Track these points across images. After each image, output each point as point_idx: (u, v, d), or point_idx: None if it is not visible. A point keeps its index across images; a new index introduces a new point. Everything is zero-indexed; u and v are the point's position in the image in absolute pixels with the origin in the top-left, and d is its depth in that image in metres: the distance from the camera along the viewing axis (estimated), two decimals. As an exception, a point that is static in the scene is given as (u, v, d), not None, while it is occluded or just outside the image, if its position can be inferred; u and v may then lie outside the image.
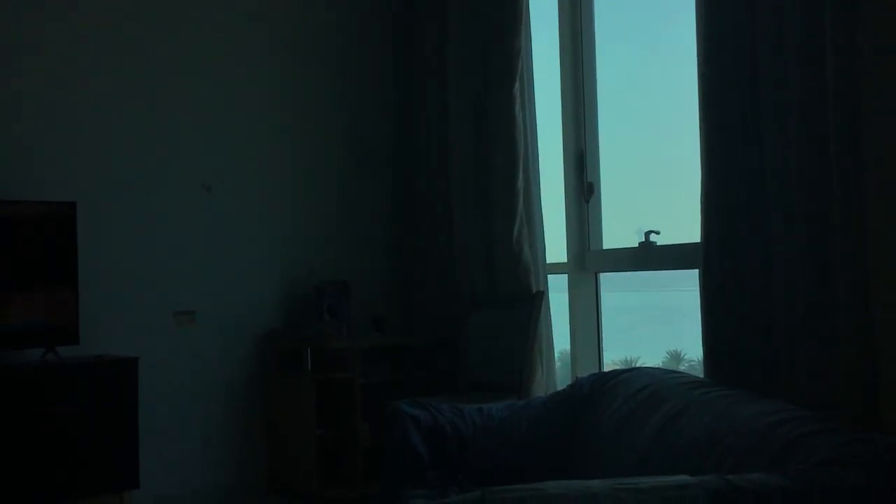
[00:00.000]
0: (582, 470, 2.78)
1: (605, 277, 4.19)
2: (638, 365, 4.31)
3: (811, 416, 2.15)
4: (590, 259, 4.14)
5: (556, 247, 4.22)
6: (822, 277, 2.50)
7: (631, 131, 4.21)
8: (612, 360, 4.42)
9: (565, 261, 4.20)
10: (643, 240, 3.79)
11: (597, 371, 3.89)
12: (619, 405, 2.88)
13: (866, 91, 2.35)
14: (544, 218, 4.17)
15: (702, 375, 3.07)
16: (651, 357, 4.41)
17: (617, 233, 4.13)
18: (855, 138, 2.35)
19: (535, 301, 3.95)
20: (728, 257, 2.90)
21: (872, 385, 2.29)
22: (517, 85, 4.05)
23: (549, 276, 4.15)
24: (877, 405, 2.28)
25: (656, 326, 4.74)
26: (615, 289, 4.31)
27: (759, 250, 2.80)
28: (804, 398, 2.56)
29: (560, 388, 3.57)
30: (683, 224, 3.41)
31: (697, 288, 3.06)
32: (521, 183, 4.04)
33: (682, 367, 4.08)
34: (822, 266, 2.50)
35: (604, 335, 4.24)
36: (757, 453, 2.06)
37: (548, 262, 4.16)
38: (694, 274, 3.11)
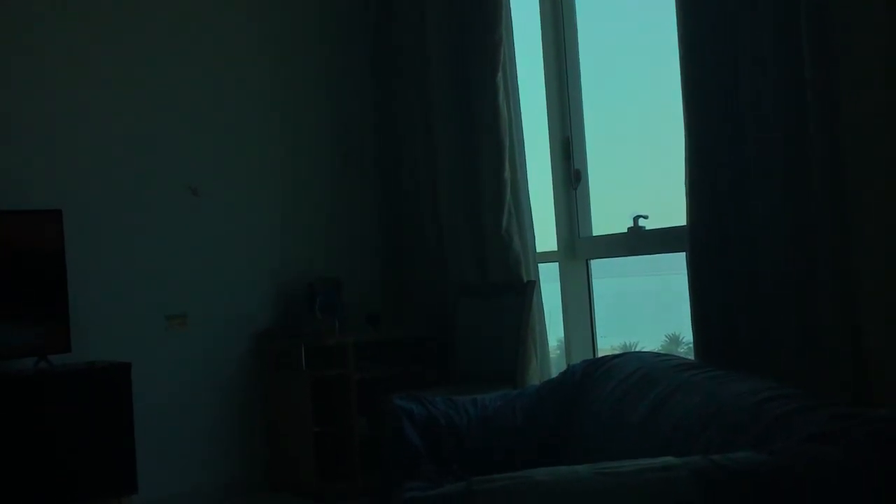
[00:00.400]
0: (575, 456, 2.78)
1: (602, 263, 4.18)
2: (637, 349, 4.32)
3: (798, 393, 2.15)
4: (580, 246, 4.14)
5: (546, 235, 4.23)
6: (806, 256, 2.51)
7: (616, 116, 4.20)
8: (611, 345, 4.43)
9: (556, 249, 4.19)
10: (632, 225, 3.79)
11: (591, 357, 3.90)
12: (611, 390, 2.88)
13: (841, 78, 2.35)
14: (533, 206, 4.17)
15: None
16: (650, 341, 4.41)
17: (607, 218, 4.13)
18: (831, 124, 2.37)
19: (527, 290, 3.95)
20: (713, 239, 2.90)
21: (858, 359, 2.30)
22: (500, 74, 4.05)
23: (540, 264, 4.15)
24: (864, 378, 2.29)
25: (654, 310, 4.73)
26: (612, 274, 4.31)
27: (743, 231, 2.80)
28: (795, 375, 2.57)
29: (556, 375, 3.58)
30: (673, 207, 3.40)
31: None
32: (507, 172, 4.04)
33: (681, 350, 4.08)
34: (806, 245, 2.51)
35: (601, 321, 4.24)
36: (744, 432, 2.06)
37: (538, 250, 4.16)
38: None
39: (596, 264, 4.20)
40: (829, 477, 1.67)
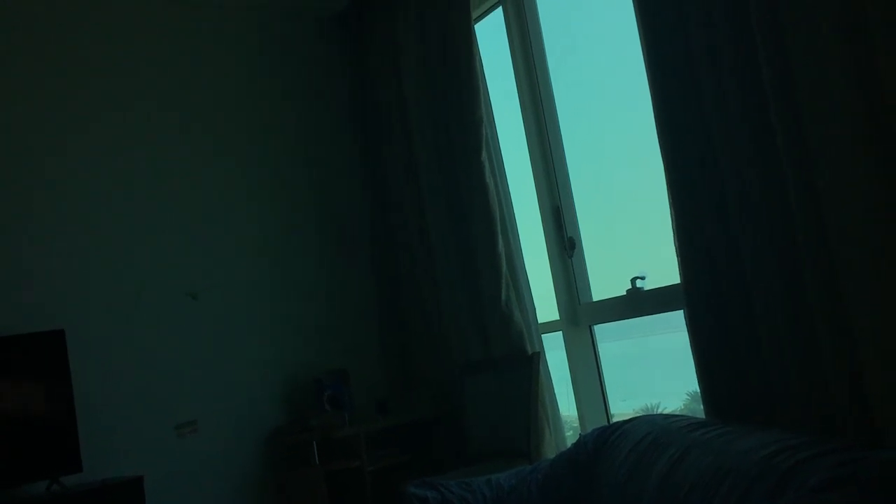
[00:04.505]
0: (594, 528, 2.74)
1: (612, 326, 4.16)
2: (659, 410, 4.28)
3: (807, 441, 2.13)
4: (581, 312, 4.14)
5: (546, 304, 4.22)
6: (799, 304, 2.52)
7: (603, 180, 4.24)
8: (633, 409, 4.38)
9: (557, 317, 4.19)
10: (630, 287, 3.79)
11: (605, 424, 3.86)
12: (624, 458, 2.86)
13: (803, 102, 2.39)
14: (530, 277, 4.18)
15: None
16: (672, 400, 4.36)
17: (605, 282, 4.13)
18: (803, 151, 2.39)
19: (533, 362, 3.93)
20: (708, 295, 2.91)
21: (861, 400, 2.28)
22: (484, 153, 4.11)
23: (543, 334, 4.14)
24: (869, 416, 2.27)
25: (672, 369, 4.70)
26: (622, 336, 4.28)
27: (735, 284, 2.81)
28: (804, 420, 2.56)
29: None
30: (670, 264, 3.41)
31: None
32: (501, 247, 4.06)
33: (703, 407, 4.04)
34: (797, 293, 2.52)
35: (618, 386, 4.20)
36: (756, 487, 2.05)
37: (540, 321, 4.16)
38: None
39: (607, 328, 4.17)
40: (840, 526, 1.65)
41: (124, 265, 4.23)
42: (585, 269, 4.15)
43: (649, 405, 4.40)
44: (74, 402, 3.76)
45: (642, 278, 3.75)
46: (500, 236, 4.07)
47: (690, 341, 3.04)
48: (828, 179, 2.29)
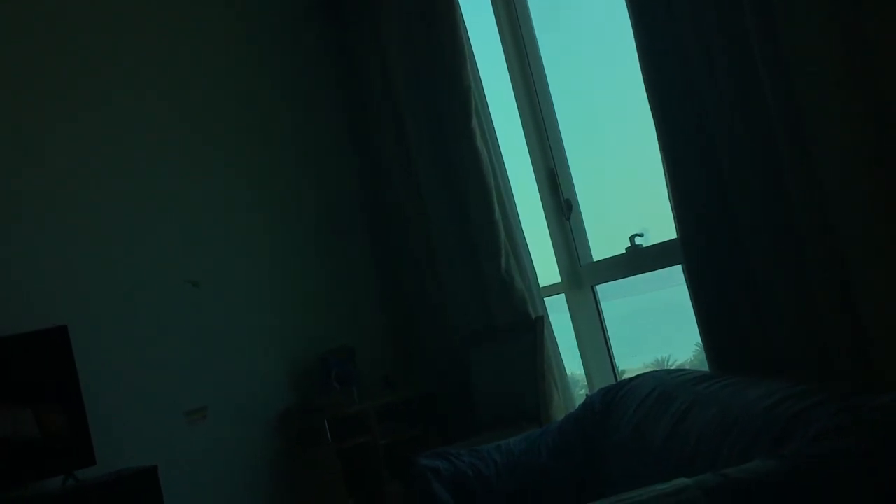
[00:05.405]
0: (605, 487, 2.76)
1: (617, 284, 4.15)
2: (670, 364, 4.29)
3: (808, 389, 2.13)
4: (583, 273, 4.13)
5: (546, 267, 4.22)
6: (794, 253, 2.51)
7: (596, 140, 4.21)
8: (643, 363, 4.39)
9: (559, 280, 4.18)
10: (629, 244, 3.78)
11: (612, 382, 3.87)
12: (631, 414, 2.88)
13: (796, 72, 2.37)
14: (529, 241, 4.17)
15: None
16: (682, 353, 4.37)
17: (605, 241, 4.12)
18: (795, 114, 2.38)
19: (537, 327, 3.93)
20: (704, 249, 2.89)
21: (861, 343, 2.28)
22: (474, 120, 4.07)
23: (546, 298, 4.13)
24: (869, 361, 2.27)
25: (680, 322, 4.70)
26: (628, 293, 4.27)
27: (731, 237, 2.80)
28: (806, 369, 2.55)
29: (579, 407, 3.55)
30: (669, 219, 3.39)
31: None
32: (497, 214, 4.04)
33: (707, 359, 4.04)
34: (790, 235, 2.52)
35: (628, 342, 4.20)
36: (760, 437, 2.06)
37: (542, 284, 4.15)
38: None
39: (611, 286, 4.16)
40: (838, 472, 1.65)
41: (123, 255, 4.24)
42: (584, 230, 4.13)
43: (659, 358, 4.41)
44: (83, 396, 3.78)
45: (641, 235, 3.74)
46: (495, 203, 4.05)
47: (690, 295, 3.03)
48: (821, 129, 2.27)
